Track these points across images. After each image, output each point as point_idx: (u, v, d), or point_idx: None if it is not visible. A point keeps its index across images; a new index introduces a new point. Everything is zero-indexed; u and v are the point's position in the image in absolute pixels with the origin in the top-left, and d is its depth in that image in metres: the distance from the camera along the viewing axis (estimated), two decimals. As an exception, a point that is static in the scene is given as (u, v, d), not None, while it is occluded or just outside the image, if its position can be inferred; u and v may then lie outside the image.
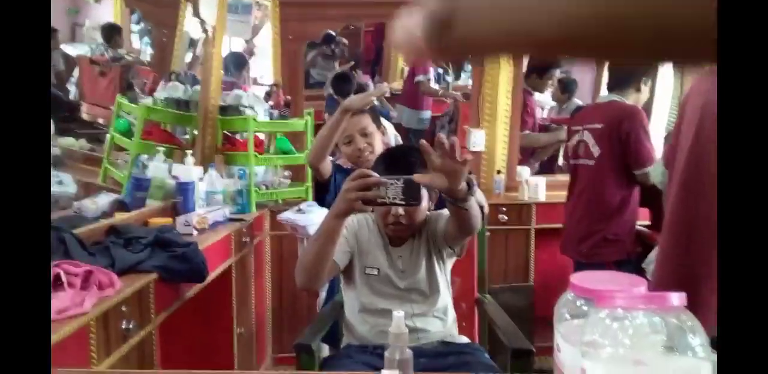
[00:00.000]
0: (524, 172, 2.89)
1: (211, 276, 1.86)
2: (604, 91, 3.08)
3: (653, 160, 2.22)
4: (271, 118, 2.64)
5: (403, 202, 1.18)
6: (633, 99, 2.34)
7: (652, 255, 2.14)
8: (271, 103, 2.71)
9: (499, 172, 2.88)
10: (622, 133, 2.23)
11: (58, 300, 1.26)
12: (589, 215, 2.34)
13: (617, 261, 2.26)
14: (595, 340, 0.67)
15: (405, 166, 1.39)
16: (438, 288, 1.50)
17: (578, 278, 0.80)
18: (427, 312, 1.49)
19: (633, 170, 2.25)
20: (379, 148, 1.81)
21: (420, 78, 4.52)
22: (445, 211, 1.40)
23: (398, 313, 0.98)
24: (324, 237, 1.27)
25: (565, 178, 2.54)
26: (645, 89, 2.37)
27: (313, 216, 2.21)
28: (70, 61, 3.74)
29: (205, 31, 2.56)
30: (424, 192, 1.40)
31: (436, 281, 1.50)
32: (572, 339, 0.74)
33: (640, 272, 2.17)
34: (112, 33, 3.78)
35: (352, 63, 5.33)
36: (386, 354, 0.96)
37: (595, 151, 2.31)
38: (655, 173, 2.11)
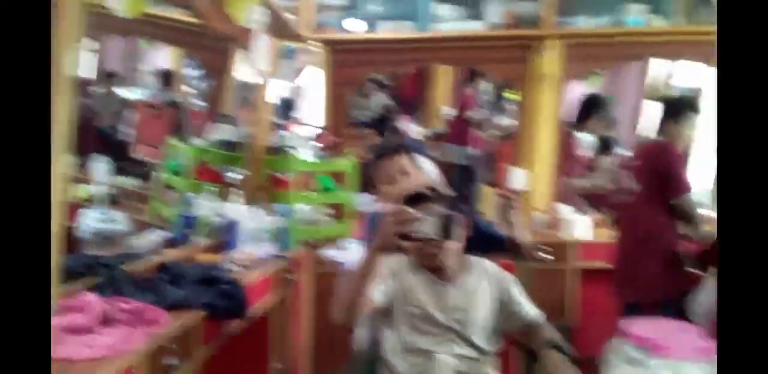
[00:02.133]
0: (565, 210, 2.87)
1: (254, 312, 1.88)
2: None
3: (690, 188, 2.31)
4: (316, 158, 2.71)
5: (437, 237, 1.26)
6: (669, 139, 2.43)
7: (697, 295, 2.08)
8: (318, 143, 2.79)
9: (539, 210, 2.85)
10: (658, 165, 2.33)
11: (109, 337, 1.30)
12: (630, 253, 2.37)
13: (661, 301, 2.22)
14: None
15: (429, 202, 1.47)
16: (481, 333, 1.50)
17: (629, 325, 0.78)
18: (467, 353, 1.48)
19: (671, 199, 2.30)
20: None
21: (469, 114, 4.59)
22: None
23: (443, 357, 0.97)
24: (362, 273, 1.29)
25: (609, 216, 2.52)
26: (678, 129, 2.43)
27: (353, 254, 2.23)
28: (126, 104, 3.95)
29: (257, 76, 2.68)
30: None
31: (482, 327, 1.50)
32: (622, 388, 0.73)
33: (684, 312, 2.10)
34: (167, 78, 3.98)
35: (392, 104, 5.42)
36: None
37: (637, 187, 2.38)
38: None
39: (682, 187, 2.31)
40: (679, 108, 2.51)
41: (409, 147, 1.90)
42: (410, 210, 1.25)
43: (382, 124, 4.28)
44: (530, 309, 1.56)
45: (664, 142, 2.43)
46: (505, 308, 1.54)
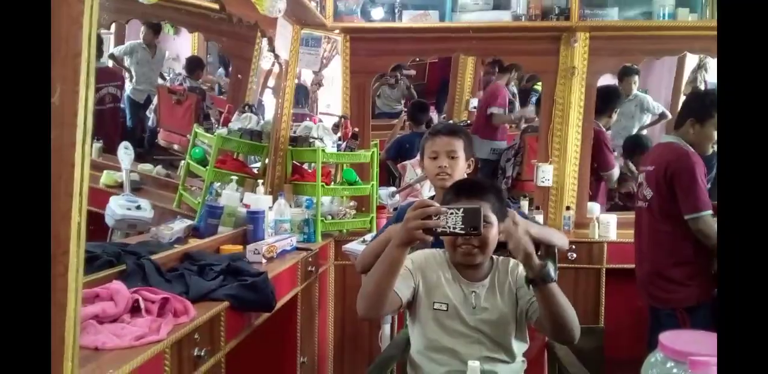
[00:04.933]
0: (595, 208, 2.81)
1: (278, 304, 1.88)
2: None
3: (704, 205, 2.07)
4: (338, 150, 2.69)
5: (463, 231, 1.19)
6: (689, 139, 2.18)
7: None
8: (339, 134, 2.76)
9: (568, 207, 2.80)
10: (668, 176, 2.12)
11: (137, 327, 1.30)
12: (648, 259, 2.26)
13: (689, 307, 2.14)
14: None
15: (472, 196, 1.44)
16: (509, 334, 1.47)
17: (668, 339, 0.76)
18: (495, 354, 1.45)
19: (684, 215, 2.10)
20: (458, 175, 1.80)
21: (493, 110, 4.47)
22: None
23: (474, 363, 0.95)
24: (386, 267, 1.27)
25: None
26: (702, 131, 2.16)
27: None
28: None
29: (279, 65, 2.65)
30: (494, 220, 1.39)
31: (509, 327, 1.47)
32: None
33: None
34: (195, 66, 3.98)
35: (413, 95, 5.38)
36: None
37: (648, 193, 2.24)
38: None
39: (696, 205, 2.07)
40: (705, 105, 2.14)
41: (467, 134, 1.92)
42: (434, 203, 1.21)
43: (419, 111, 4.23)
44: None
45: (681, 149, 2.15)
46: (524, 300, 1.47)
